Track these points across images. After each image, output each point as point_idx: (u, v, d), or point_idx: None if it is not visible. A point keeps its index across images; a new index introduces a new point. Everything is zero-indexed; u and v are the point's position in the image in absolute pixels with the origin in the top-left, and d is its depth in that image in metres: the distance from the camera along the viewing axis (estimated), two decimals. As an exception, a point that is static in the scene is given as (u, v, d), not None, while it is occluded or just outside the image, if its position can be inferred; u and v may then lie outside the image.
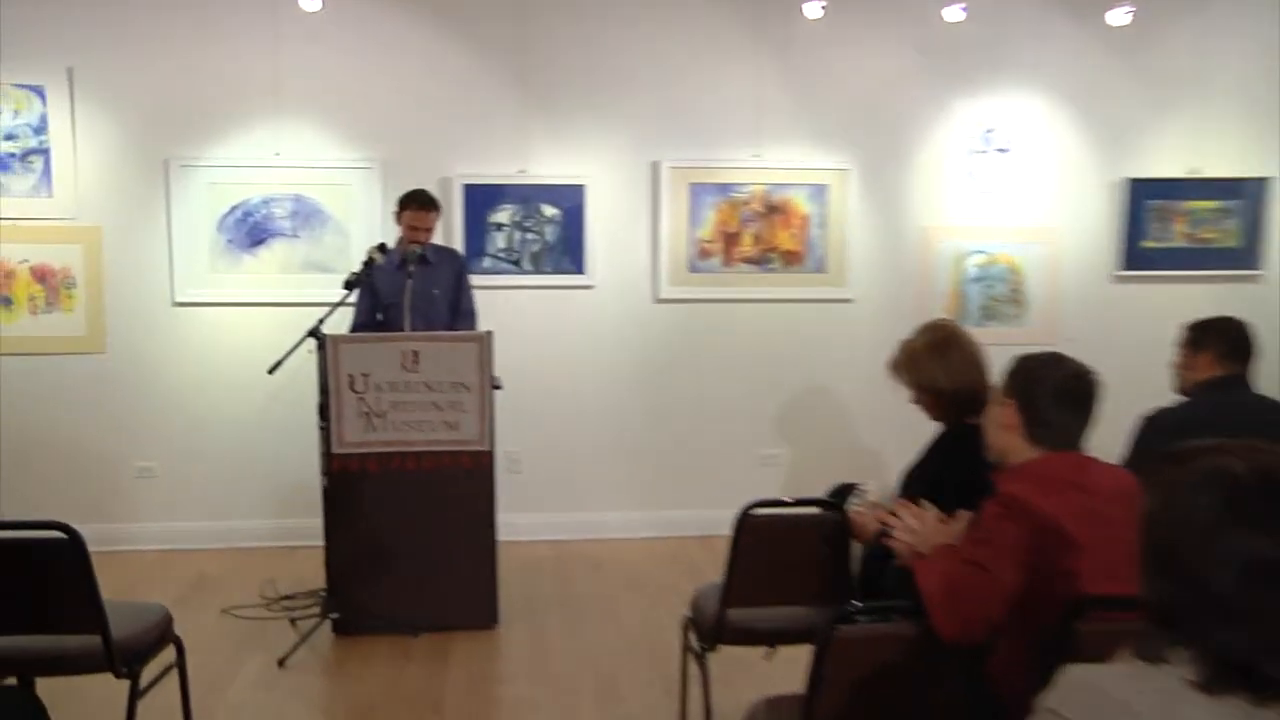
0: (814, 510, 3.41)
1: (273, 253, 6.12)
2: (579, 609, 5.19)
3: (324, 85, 6.03)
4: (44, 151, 5.88)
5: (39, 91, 5.87)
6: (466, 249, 6.09)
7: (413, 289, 4.90)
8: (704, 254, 6.30)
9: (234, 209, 6.07)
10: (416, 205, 5.08)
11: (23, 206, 5.91)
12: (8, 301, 5.93)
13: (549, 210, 6.18)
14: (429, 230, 5.12)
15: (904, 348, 3.35)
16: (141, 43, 5.95)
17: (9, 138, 5.92)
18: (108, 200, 6.04)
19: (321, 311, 4.71)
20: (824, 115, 6.34)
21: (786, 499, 3.49)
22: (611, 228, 6.30)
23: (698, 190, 6.26)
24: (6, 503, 5.88)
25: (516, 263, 6.21)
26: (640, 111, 6.26)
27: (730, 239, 6.33)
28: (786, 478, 6.43)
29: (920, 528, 2.68)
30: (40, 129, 5.87)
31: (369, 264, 4.80)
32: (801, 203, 6.36)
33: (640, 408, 6.42)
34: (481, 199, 6.16)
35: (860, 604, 2.51)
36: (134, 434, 6.15)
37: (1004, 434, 2.57)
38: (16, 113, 5.94)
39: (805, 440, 6.49)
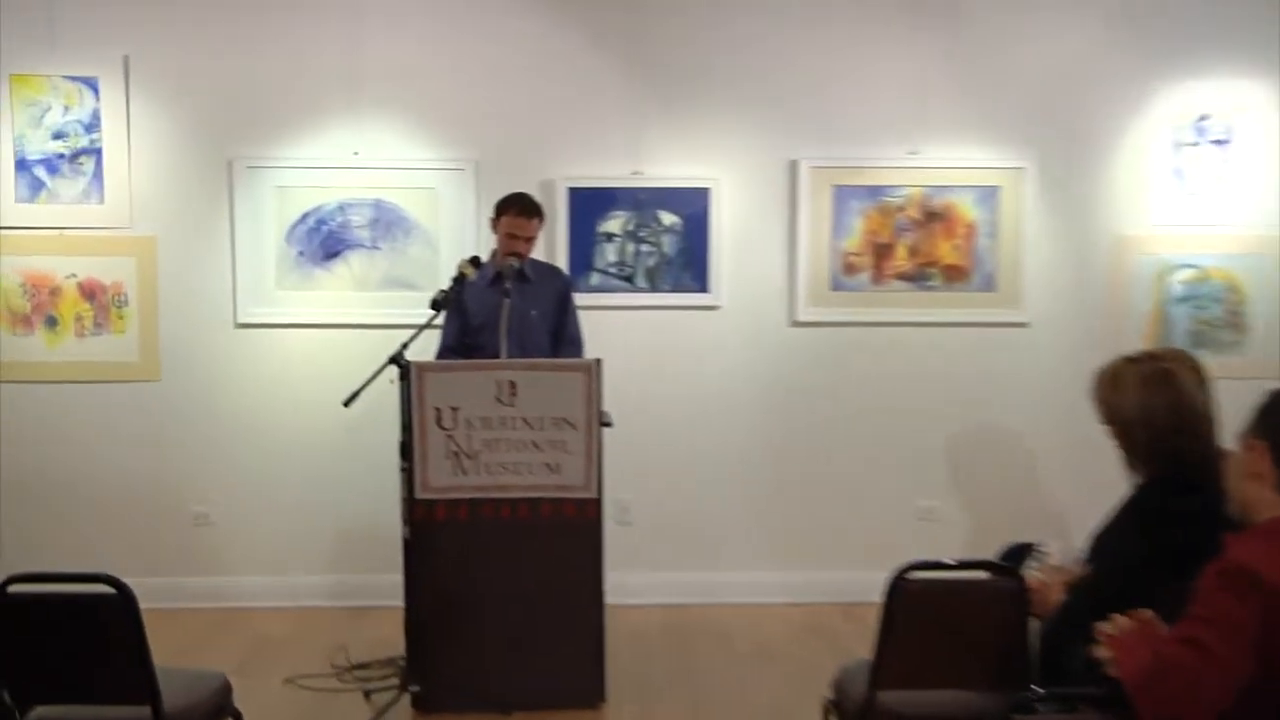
0: (983, 575, 3.34)
1: (349, 267, 6.17)
2: (700, 687, 5.15)
3: (409, 76, 6.08)
4: (95, 151, 6.02)
5: (92, 84, 6.02)
6: (572, 263, 6.10)
7: (510, 309, 4.89)
8: (850, 269, 6.24)
9: (305, 217, 6.13)
10: (516, 210, 5.06)
11: (71, 214, 6.04)
12: (53, 321, 6.07)
13: (667, 218, 6.16)
14: (530, 241, 5.11)
15: (1110, 373, 3.27)
16: (204, 27, 6.05)
17: (58, 136, 6.04)
18: (164, 207, 6.15)
19: (405, 335, 4.70)
20: (994, 104, 6.22)
21: (949, 561, 3.43)
22: (740, 238, 6.24)
23: (842, 194, 6.19)
24: (48, 551, 5.98)
25: (629, 279, 6.18)
26: (775, 102, 6.19)
27: (881, 251, 6.25)
28: (949, 535, 6.29)
29: (1138, 643, 2.50)
30: (92, 126, 6.02)
31: (460, 280, 4.80)
32: (967, 208, 6.26)
33: (773, 450, 6.34)
34: (589, 205, 6.13)
35: (1041, 690, 2.41)
36: (190, 475, 6.23)
37: (1251, 484, 2.48)
38: (67, 108, 6.12)
39: (971, 491, 6.37)
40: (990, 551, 3.50)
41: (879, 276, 6.25)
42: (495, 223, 5.14)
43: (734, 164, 6.20)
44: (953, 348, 6.31)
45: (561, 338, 5.30)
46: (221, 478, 6.23)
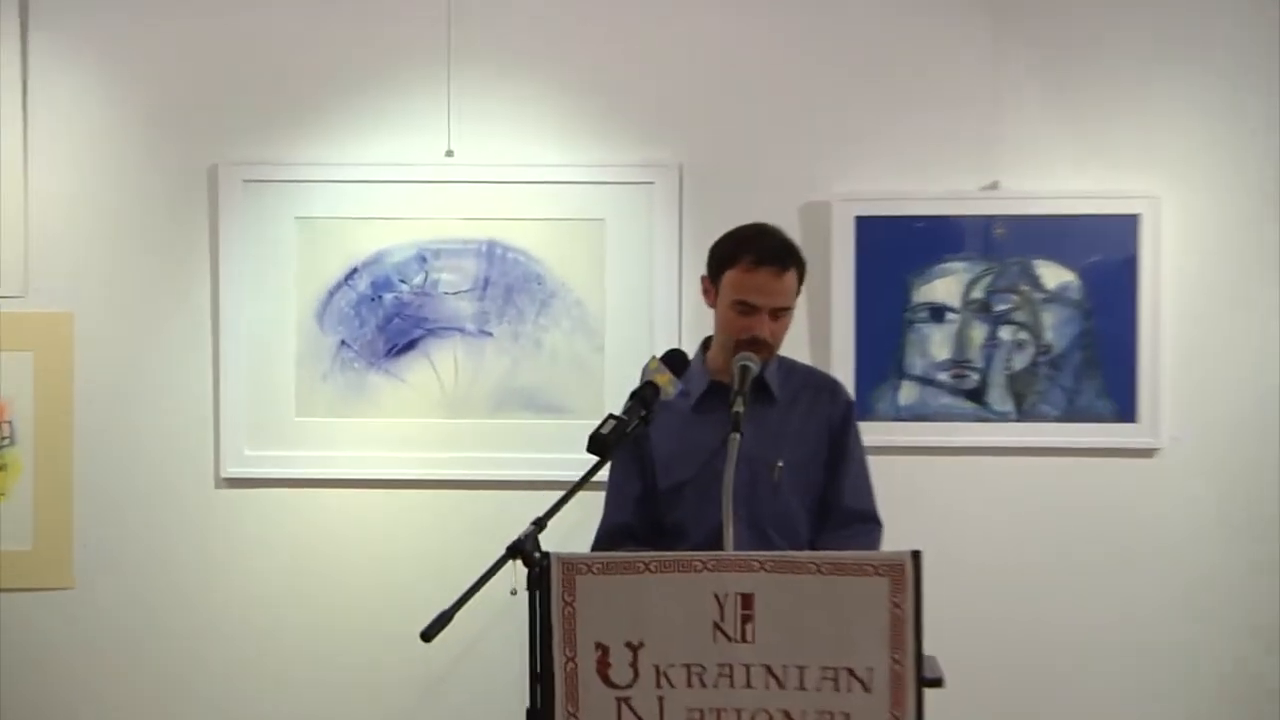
0: None
1: (434, 370, 4.14)
2: None
3: (552, 26, 4.22)
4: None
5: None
6: (859, 365, 4.10)
7: (741, 456, 2.94)
8: None
9: (353, 275, 4.12)
10: (755, 258, 3.17)
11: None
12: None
13: (1052, 273, 4.02)
14: (782, 318, 3.21)
15: None
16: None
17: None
18: (88, 261, 4.30)
19: (539, 501, 2.78)
20: None
21: None
22: (1204, 312, 4.09)
23: None
24: None
25: (975, 395, 4.04)
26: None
27: None
28: None
29: None
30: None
31: (645, 399, 2.93)
32: None
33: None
34: (894, 250, 4.06)
35: None
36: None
37: None
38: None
39: None
40: None
41: None
42: (711, 286, 3.26)
43: (1186, 172, 4.11)
44: None
45: (836, 508, 3.28)
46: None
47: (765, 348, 3.01)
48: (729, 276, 3.08)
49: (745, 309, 3.03)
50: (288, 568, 4.16)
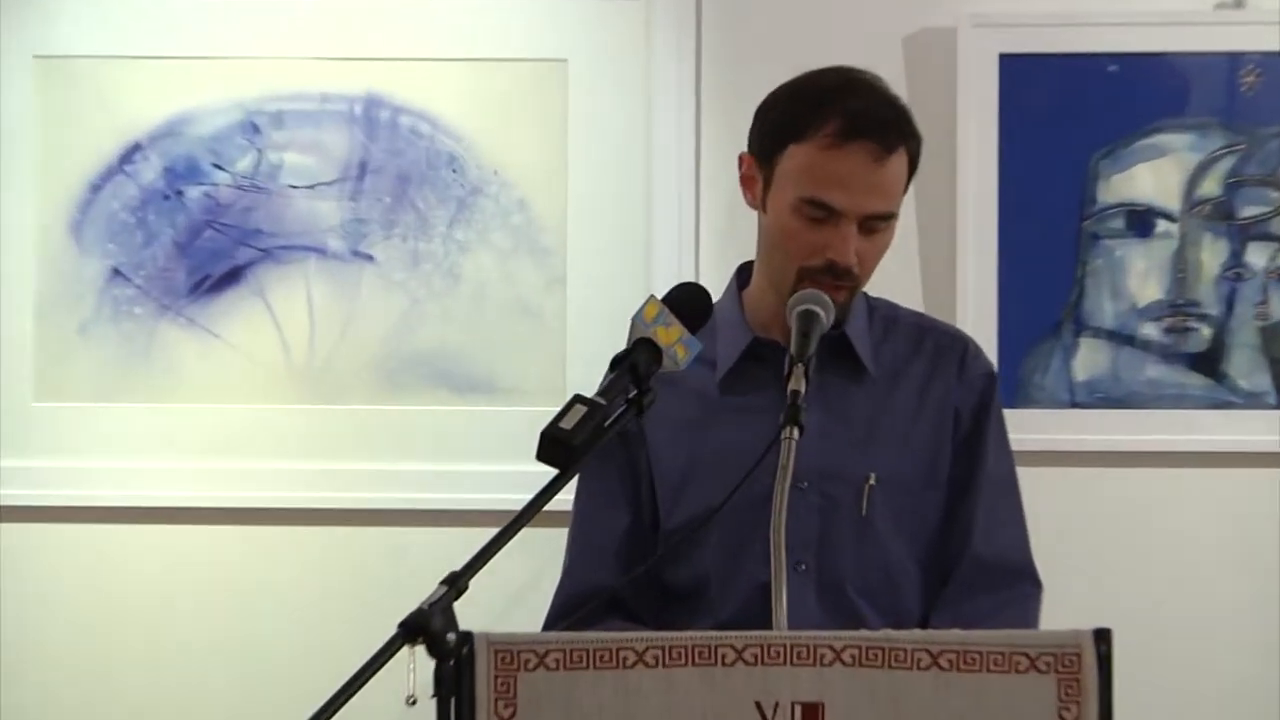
0: None
1: (273, 316, 3.01)
2: None
3: None
4: None
5: None
6: (1005, 319, 3.10)
7: (805, 467, 2.17)
8: None
9: (135, 154, 3.00)
10: (840, 131, 2.19)
11: None
12: None
13: None
14: (876, 231, 2.23)
15: None
16: None
17: None
18: None
19: (458, 542, 2.12)
20: None
21: None
22: None
23: None
24: None
25: (1207, 361, 3.04)
26: None
27: None
28: None
29: None
30: None
31: (638, 371, 1.94)
32: None
33: None
34: (1067, 108, 2.98)
35: None
36: None
37: None
38: None
39: None
40: None
41: None
42: (757, 172, 2.28)
43: None
44: None
45: (966, 558, 2.31)
46: None
47: (848, 282, 2.21)
48: (793, 157, 2.21)
49: (820, 214, 2.20)
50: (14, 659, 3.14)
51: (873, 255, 2.13)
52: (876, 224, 2.10)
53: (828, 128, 2.07)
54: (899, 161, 2.10)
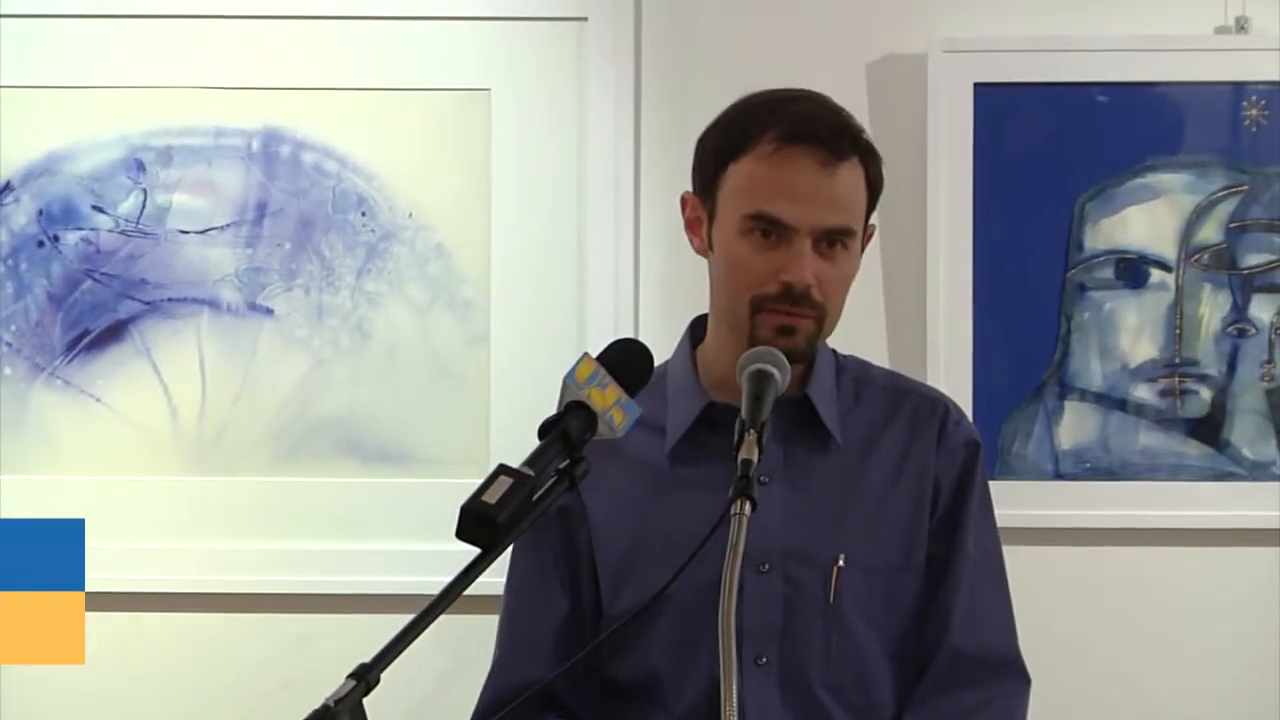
0: None
1: (159, 378, 2.78)
2: None
3: None
4: None
5: None
6: (980, 378, 2.99)
7: (763, 548, 2.05)
8: None
9: (3, 194, 2.84)
10: (781, 136, 2.01)
11: None
12: None
13: None
14: (835, 249, 1.99)
15: None
16: None
17: None
18: None
19: (365, 631, 1.97)
20: None
21: None
22: None
23: None
24: None
25: (1207, 428, 2.86)
26: None
27: None
28: None
29: None
30: None
31: (570, 438, 1.69)
32: None
33: None
34: (1050, 145, 2.80)
35: None
36: None
37: None
38: None
39: None
40: None
41: None
42: (702, 210, 2.08)
43: None
44: None
45: (945, 650, 2.09)
46: None
47: (809, 310, 2.01)
48: (734, 176, 2.06)
49: (768, 229, 2.05)
50: None
51: (834, 281, 1.93)
52: (835, 243, 1.91)
53: (768, 135, 1.91)
54: (852, 172, 1.92)
